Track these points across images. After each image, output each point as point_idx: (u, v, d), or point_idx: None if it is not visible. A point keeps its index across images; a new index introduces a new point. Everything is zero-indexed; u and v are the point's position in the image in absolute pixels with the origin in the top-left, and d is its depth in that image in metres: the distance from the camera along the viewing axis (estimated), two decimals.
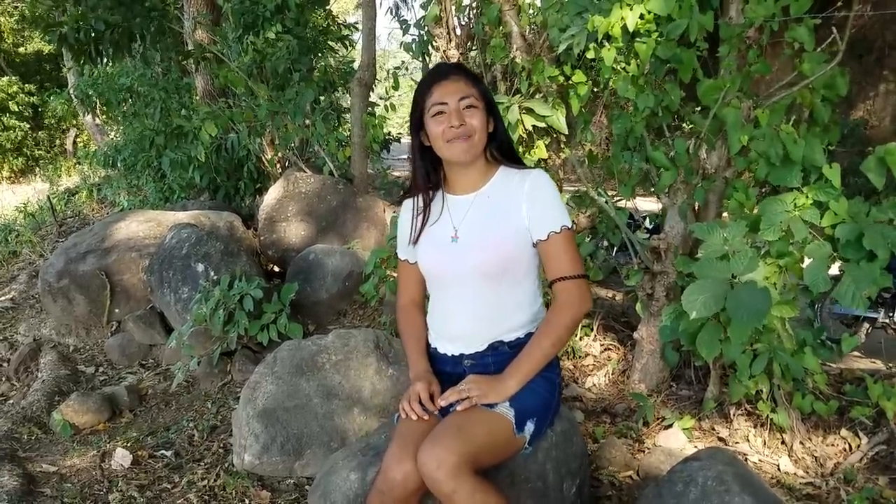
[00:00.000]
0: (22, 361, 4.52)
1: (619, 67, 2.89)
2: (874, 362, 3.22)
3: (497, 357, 1.90)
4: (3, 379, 4.43)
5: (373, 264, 3.87)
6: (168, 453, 3.09)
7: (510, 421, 1.78)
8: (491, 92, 1.92)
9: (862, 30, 10.11)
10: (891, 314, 4.67)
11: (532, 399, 1.85)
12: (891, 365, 3.08)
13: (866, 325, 4.82)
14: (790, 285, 2.58)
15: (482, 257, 1.84)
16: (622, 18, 2.72)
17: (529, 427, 1.82)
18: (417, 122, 1.90)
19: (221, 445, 3.14)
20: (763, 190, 3.01)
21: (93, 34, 6.04)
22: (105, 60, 7.20)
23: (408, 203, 2.04)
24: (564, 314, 1.83)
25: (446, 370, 1.96)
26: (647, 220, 5.15)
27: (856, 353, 4.49)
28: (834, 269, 2.41)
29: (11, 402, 4.01)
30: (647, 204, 5.18)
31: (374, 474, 1.87)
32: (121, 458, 3.00)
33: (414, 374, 1.95)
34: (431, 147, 1.90)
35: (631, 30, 2.72)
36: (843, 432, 2.63)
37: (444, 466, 1.61)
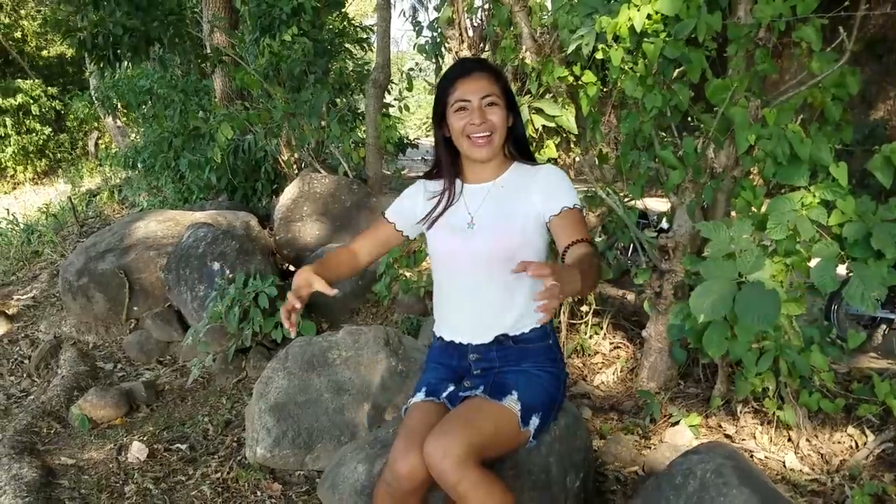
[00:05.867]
0: (42, 358, 4.61)
1: (626, 67, 2.91)
2: (892, 364, 3.20)
3: (501, 352, 1.93)
4: (24, 375, 4.53)
5: (385, 264, 3.91)
6: (183, 447, 3.16)
7: (516, 414, 1.82)
8: (510, 87, 1.93)
9: (882, 29, 10.01)
10: None
11: (538, 394, 1.89)
12: None
13: (883, 326, 4.77)
14: (797, 283, 2.58)
15: (497, 243, 1.88)
16: (629, 19, 2.74)
17: (535, 421, 1.85)
18: (440, 116, 1.92)
19: (235, 439, 3.20)
20: (774, 188, 3.01)
21: (111, 39, 6.15)
22: (125, 64, 7.31)
23: (422, 182, 2.07)
24: (589, 246, 1.76)
25: (452, 364, 2.00)
26: (665, 219, 5.14)
27: (872, 355, 4.45)
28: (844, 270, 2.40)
29: (32, 397, 4.10)
30: (660, 204, 5.18)
31: (381, 466, 1.91)
32: (137, 451, 3.07)
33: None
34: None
35: (638, 30, 2.74)
36: (850, 430, 2.62)
37: (449, 457, 1.64)
